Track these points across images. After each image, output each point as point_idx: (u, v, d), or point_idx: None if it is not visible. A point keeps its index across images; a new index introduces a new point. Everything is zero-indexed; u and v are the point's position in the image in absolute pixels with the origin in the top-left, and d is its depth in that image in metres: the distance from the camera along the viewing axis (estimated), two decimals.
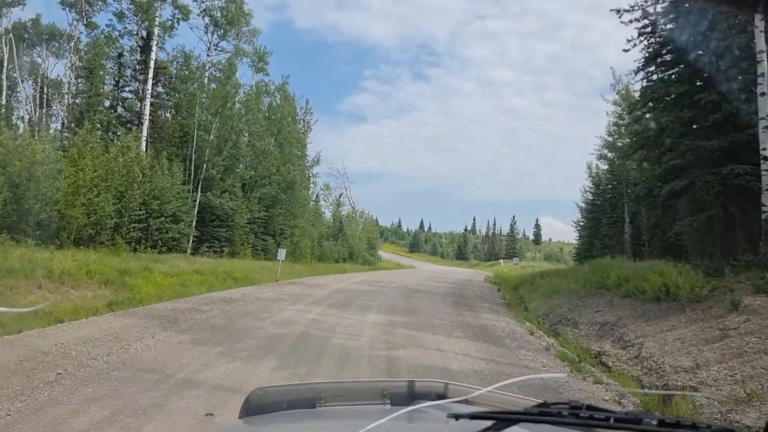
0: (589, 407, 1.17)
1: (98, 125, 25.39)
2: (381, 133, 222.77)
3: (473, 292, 21.63)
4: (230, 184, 29.15)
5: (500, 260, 63.62)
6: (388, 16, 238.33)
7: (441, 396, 1.80)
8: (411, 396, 1.81)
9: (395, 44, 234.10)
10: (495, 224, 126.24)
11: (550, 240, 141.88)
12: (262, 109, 37.29)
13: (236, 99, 32.26)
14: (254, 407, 1.81)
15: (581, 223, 33.16)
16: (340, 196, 60.49)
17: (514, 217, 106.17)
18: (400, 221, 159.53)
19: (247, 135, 32.70)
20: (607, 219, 26.60)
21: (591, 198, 30.02)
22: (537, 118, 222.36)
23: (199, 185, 27.46)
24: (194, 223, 27.03)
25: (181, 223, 24.73)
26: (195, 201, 26.92)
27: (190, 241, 26.77)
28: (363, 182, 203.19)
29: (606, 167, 29.01)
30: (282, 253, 25.37)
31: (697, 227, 14.96)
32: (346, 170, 63.30)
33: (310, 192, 53.03)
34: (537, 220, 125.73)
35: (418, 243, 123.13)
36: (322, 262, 45.07)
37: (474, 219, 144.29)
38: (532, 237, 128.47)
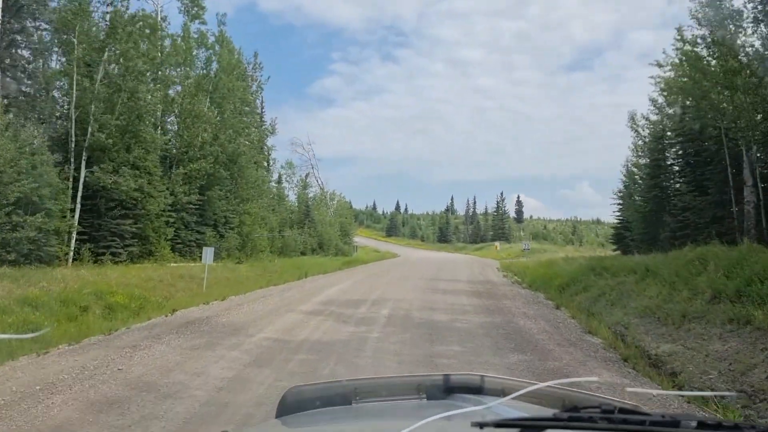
0: (623, 410, 1.14)
1: None
2: (351, 116, 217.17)
3: (520, 309, 13.01)
4: (137, 157, 20.10)
5: (495, 243, 55.72)
6: None
7: (477, 390, 1.78)
8: (447, 390, 1.78)
9: (362, 26, 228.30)
10: (475, 203, 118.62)
11: (531, 217, 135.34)
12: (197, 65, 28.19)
13: (159, 48, 23.27)
14: (290, 406, 1.78)
15: (628, 197, 24.85)
16: (306, 177, 51.58)
17: (502, 193, 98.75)
18: (375, 204, 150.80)
19: (163, 88, 23.61)
20: (691, 184, 18.00)
21: (655, 157, 20.84)
22: (507, 97, 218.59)
23: (82, 157, 18.43)
24: (76, 215, 18.08)
25: (50, 215, 15.77)
26: (73, 180, 17.95)
27: (72, 242, 17.84)
28: (335, 167, 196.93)
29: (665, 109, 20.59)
30: (208, 254, 16.81)
31: None
32: (312, 146, 54.16)
33: (269, 170, 44.21)
34: (518, 197, 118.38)
35: (396, 226, 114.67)
36: (285, 255, 36.40)
37: (452, 198, 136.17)
38: (513, 215, 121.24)
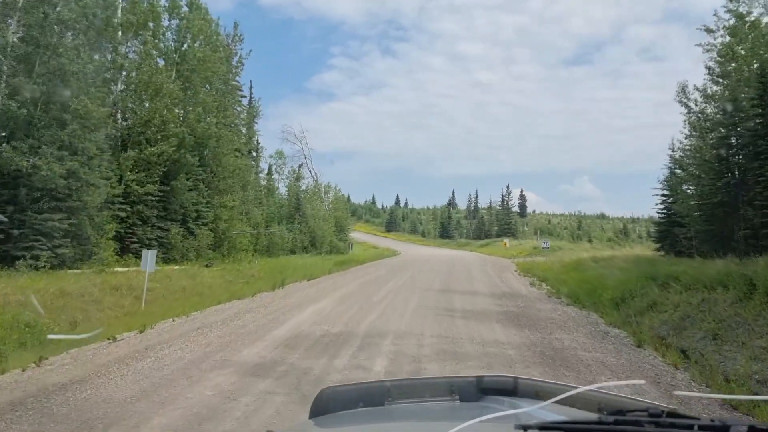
0: (671, 414, 1.11)
1: None
2: (351, 110, 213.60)
3: (587, 349, 8.52)
4: (72, 135, 15.83)
5: (504, 239, 51.50)
6: None
7: (510, 392, 1.77)
8: (480, 391, 1.78)
9: (362, 20, 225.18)
10: (477, 198, 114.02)
11: (534, 212, 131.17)
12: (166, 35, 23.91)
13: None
14: (324, 407, 1.77)
15: (678, 186, 20.53)
16: (299, 168, 47.28)
17: (508, 187, 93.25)
18: (374, 198, 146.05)
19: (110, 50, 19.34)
20: None
21: (723, 135, 16.26)
22: (507, 91, 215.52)
23: None
24: None
25: None
26: None
27: None
28: (335, 161, 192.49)
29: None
30: (149, 259, 12.72)
31: None
32: (305, 134, 49.84)
33: (257, 158, 39.96)
34: (522, 192, 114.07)
35: (395, 221, 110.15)
36: (271, 255, 32.22)
37: (453, 193, 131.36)
38: (516, 210, 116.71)
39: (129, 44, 20.98)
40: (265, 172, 42.86)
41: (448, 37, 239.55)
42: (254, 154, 40.20)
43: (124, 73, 20.50)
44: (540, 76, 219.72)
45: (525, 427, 1.08)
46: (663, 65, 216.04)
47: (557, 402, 1.35)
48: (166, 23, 23.87)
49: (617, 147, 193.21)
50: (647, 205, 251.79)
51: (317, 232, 39.16)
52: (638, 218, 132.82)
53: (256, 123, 44.90)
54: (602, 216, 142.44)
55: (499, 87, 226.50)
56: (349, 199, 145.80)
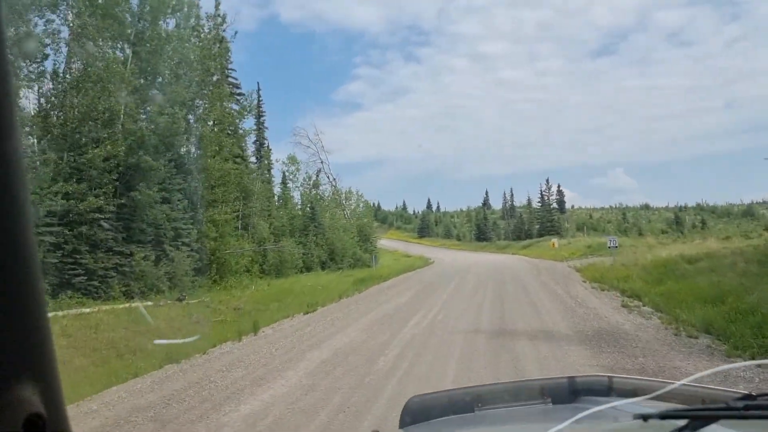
0: None
1: None
2: (377, 118, 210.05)
3: None
4: None
5: (552, 240, 45.55)
6: None
7: (606, 391, 1.69)
8: (573, 393, 1.71)
9: (383, 28, 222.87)
10: (512, 196, 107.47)
11: (573, 207, 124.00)
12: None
13: None
14: (414, 416, 1.74)
15: None
16: (318, 174, 42.36)
17: (548, 181, 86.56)
18: (404, 204, 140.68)
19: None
20: None
21: None
22: (532, 88, 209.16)
23: None
24: None
25: None
26: None
27: None
28: (363, 170, 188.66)
29: None
30: None
31: None
32: (320, 136, 45.04)
33: (262, 163, 35.21)
34: (559, 187, 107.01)
35: (428, 226, 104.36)
36: (280, 274, 27.28)
37: (486, 193, 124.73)
38: (555, 206, 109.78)
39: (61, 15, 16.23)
40: (280, 181, 38.22)
41: (470, 38, 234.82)
42: (257, 159, 35.50)
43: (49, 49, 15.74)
44: (565, 69, 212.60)
45: (645, 416, 1.04)
46: (692, 50, 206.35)
47: (654, 398, 1.29)
48: None
49: (649, 136, 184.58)
50: (692, 192, 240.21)
51: (337, 244, 34.04)
52: (685, 206, 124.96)
53: (266, 127, 40.71)
54: (646, 207, 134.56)
55: (524, 84, 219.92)
56: (379, 206, 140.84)
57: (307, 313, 13.89)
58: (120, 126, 16.22)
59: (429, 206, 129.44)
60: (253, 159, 35.70)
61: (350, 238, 36.52)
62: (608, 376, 1.76)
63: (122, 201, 16.56)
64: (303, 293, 19.39)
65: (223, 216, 22.25)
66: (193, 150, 21.95)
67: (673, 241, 43.36)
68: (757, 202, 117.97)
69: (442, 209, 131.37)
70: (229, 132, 27.95)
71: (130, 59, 17.78)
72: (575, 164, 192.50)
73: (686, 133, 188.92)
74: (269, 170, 37.43)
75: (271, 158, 38.13)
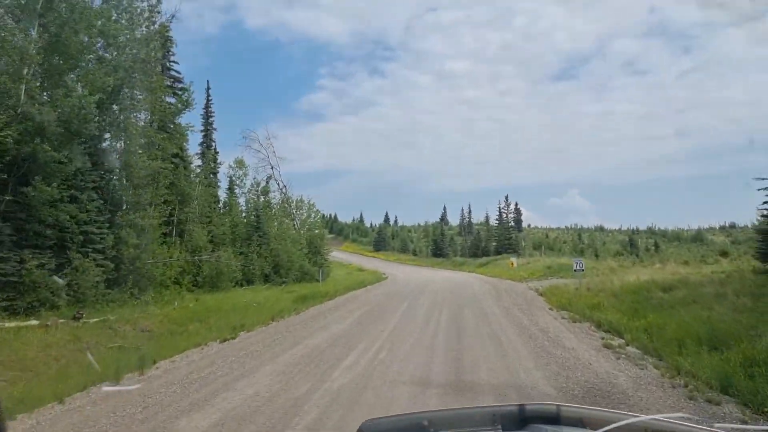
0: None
1: None
2: (340, 130, 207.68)
3: None
4: None
5: (511, 259, 43.87)
6: (340, 11, 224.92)
7: (554, 419, 1.75)
8: (523, 420, 1.76)
9: (349, 40, 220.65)
10: (470, 213, 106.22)
11: (529, 226, 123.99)
12: None
13: None
14: None
15: None
16: (268, 181, 39.70)
17: (506, 198, 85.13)
18: (361, 216, 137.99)
19: None
20: None
21: None
22: (494, 107, 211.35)
23: None
24: None
25: None
26: None
27: None
28: (324, 181, 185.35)
29: None
30: None
31: None
32: (271, 140, 42.55)
33: (206, 164, 32.46)
34: (517, 205, 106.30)
35: (384, 239, 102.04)
36: (217, 288, 24.66)
37: (444, 208, 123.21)
38: (512, 224, 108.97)
39: None
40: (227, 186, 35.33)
41: (435, 56, 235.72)
42: (203, 162, 32.70)
43: None
44: (526, 91, 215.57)
45: None
46: (646, 78, 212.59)
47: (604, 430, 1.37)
48: None
49: (604, 159, 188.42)
50: (644, 216, 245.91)
51: (283, 255, 31.46)
52: (638, 230, 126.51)
53: (214, 128, 37.86)
54: (601, 229, 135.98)
55: (486, 103, 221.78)
56: (335, 218, 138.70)
57: (225, 340, 11.42)
58: (14, 111, 13.48)
59: (387, 220, 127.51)
60: (199, 161, 33.03)
61: (298, 250, 33.98)
62: (557, 405, 1.79)
63: (12, 198, 13.79)
64: (233, 311, 16.91)
65: (149, 220, 19.54)
66: (116, 144, 19.22)
67: (632, 264, 42.49)
68: (704, 228, 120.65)
69: (400, 223, 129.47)
70: (168, 129, 25.30)
71: (36, 31, 15.08)
72: (533, 184, 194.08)
73: (639, 159, 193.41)
74: (215, 174, 34.65)
75: (218, 161, 35.31)
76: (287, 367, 8.37)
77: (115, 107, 18.70)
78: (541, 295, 20.29)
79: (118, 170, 18.78)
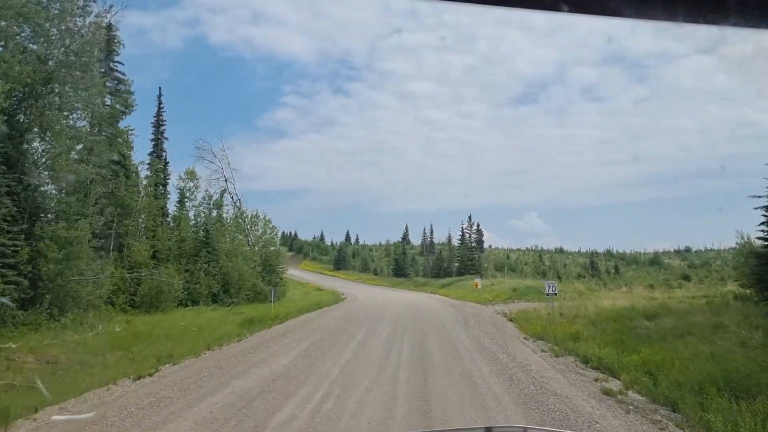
0: None
1: None
2: (303, 147, 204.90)
3: None
4: None
5: (476, 280, 42.53)
6: (306, 31, 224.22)
7: None
8: None
9: (314, 59, 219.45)
10: (432, 233, 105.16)
11: (490, 247, 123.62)
12: None
13: None
14: None
15: None
16: (222, 194, 37.41)
17: (470, 218, 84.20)
18: (322, 234, 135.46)
19: None
20: None
21: None
22: (456, 128, 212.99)
23: None
24: None
25: None
26: None
27: None
28: (286, 199, 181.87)
29: None
30: None
31: None
32: (226, 152, 40.37)
33: (154, 172, 30.12)
34: (478, 226, 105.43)
35: (345, 258, 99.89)
36: (156, 308, 22.35)
37: (406, 228, 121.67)
38: (474, 245, 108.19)
39: None
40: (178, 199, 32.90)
41: (399, 76, 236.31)
42: (150, 172, 30.30)
43: None
44: (488, 113, 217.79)
45: None
46: (603, 105, 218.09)
47: None
48: None
49: (563, 182, 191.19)
50: (602, 239, 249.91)
51: (233, 273, 29.23)
52: (596, 252, 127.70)
53: (165, 138, 35.48)
54: (561, 251, 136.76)
55: (448, 124, 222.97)
56: (295, 236, 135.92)
57: (141, 377, 9.37)
58: None
59: (348, 238, 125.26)
60: (147, 172, 30.60)
61: (251, 268, 31.75)
62: (523, 427, 1.83)
63: None
64: (166, 338, 14.77)
65: (75, 232, 17.25)
66: (37, 145, 16.98)
67: (599, 287, 41.70)
68: (660, 252, 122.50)
69: (362, 242, 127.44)
70: (105, 131, 23.05)
71: None
72: (494, 205, 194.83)
73: (597, 182, 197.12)
74: (164, 185, 32.27)
75: (168, 172, 32.92)
76: (204, 421, 6.46)
77: (39, 103, 16.52)
78: (511, 320, 18.76)
79: (39, 174, 16.52)
